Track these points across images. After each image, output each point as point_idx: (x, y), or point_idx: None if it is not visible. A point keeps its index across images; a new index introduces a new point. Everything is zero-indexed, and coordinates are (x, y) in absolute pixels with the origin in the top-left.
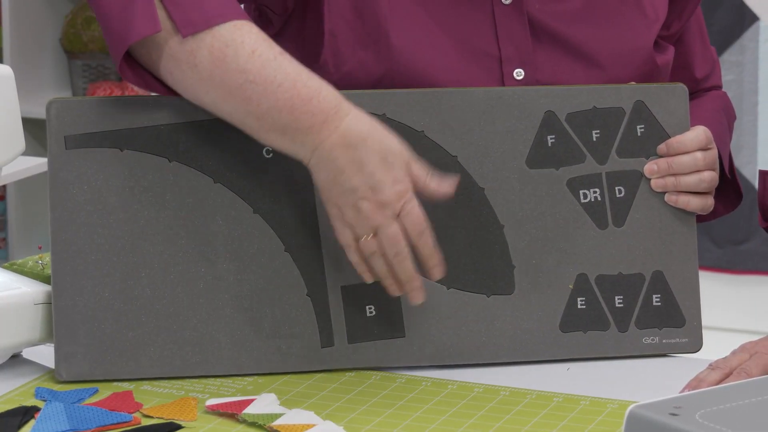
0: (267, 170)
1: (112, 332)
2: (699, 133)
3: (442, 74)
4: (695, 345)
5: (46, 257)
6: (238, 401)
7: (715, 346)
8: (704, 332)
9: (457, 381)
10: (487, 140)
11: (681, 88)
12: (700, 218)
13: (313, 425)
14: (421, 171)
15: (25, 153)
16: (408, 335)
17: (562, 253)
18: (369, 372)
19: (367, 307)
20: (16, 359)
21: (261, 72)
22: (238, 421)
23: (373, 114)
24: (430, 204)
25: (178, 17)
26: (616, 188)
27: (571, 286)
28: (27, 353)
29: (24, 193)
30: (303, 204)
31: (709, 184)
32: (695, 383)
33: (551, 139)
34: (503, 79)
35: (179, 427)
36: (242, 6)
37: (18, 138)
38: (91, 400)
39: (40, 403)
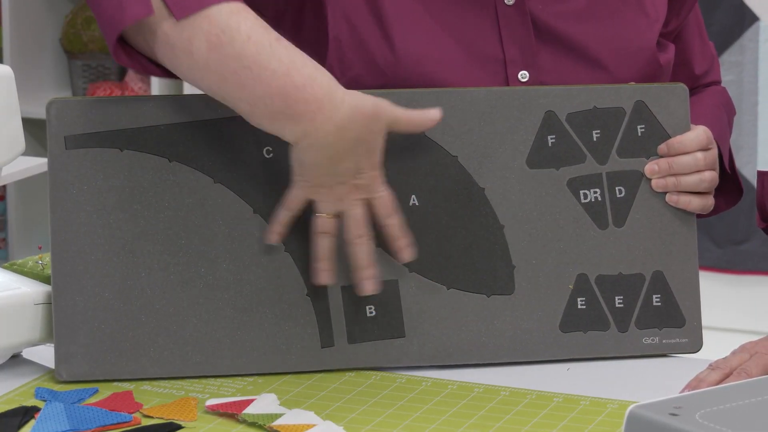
0: (267, 170)
1: (112, 332)
2: (699, 133)
3: (448, 78)
4: (695, 345)
5: (46, 257)
6: (238, 401)
7: (715, 347)
8: (704, 332)
9: (457, 381)
10: (488, 140)
11: (681, 88)
12: (701, 215)
13: (313, 425)
14: (401, 112)
15: (25, 153)
16: (408, 335)
17: (562, 253)
18: (369, 372)
19: (367, 307)
20: (16, 359)
21: (256, 58)
22: (238, 421)
23: None
24: (430, 203)
25: (171, 1)
26: (617, 188)
27: (571, 286)
28: (27, 353)
29: (24, 194)
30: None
31: (709, 184)
32: (695, 383)
33: (552, 139)
34: (508, 81)
35: (179, 427)
36: None
37: (18, 138)
38: (91, 401)
39: (40, 403)
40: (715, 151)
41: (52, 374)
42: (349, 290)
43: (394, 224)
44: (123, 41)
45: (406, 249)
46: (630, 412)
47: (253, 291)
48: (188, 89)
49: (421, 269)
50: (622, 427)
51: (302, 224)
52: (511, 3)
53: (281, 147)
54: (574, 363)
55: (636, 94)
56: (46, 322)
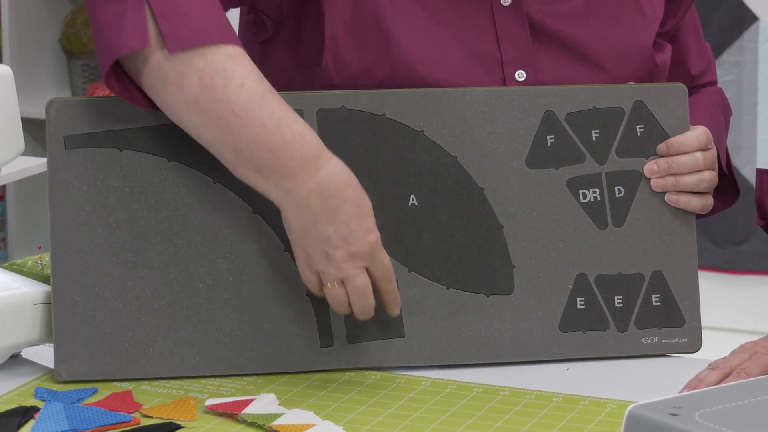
0: None
1: (111, 332)
2: (699, 133)
3: (445, 77)
4: (695, 345)
5: (46, 257)
6: (238, 401)
7: (715, 346)
8: (704, 332)
9: (456, 381)
10: (487, 140)
11: (680, 88)
12: (698, 215)
13: (313, 425)
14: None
15: (25, 153)
16: (407, 335)
17: (561, 253)
18: (368, 372)
19: None
20: (15, 359)
21: (246, 106)
22: (237, 421)
23: (373, 114)
24: (430, 203)
25: (167, 31)
26: (616, 188)
27: (570, 286)
28: (26, 353)
29: (23, 193)
30: None
31: (708, 184)
32: (695, 383)
33: (551, 139)
34: (505, 81)
35: (179, 427)
36: (238, 9)
37: (17, 138)
38: (90, 400)
39: (39, 403)
40: (714, 151)
41: (52, 374)
42: None
43: (391, 289)
44: (117, 64)
45: (396, 307)
46: (629, 411)
47: (252, 291)
48: None
49: (421, 269)
50: (622, 427)
51: None
52: (507, 3)
53: None
54: (574, 363)
55: (635, 93)
56: (46, 322)
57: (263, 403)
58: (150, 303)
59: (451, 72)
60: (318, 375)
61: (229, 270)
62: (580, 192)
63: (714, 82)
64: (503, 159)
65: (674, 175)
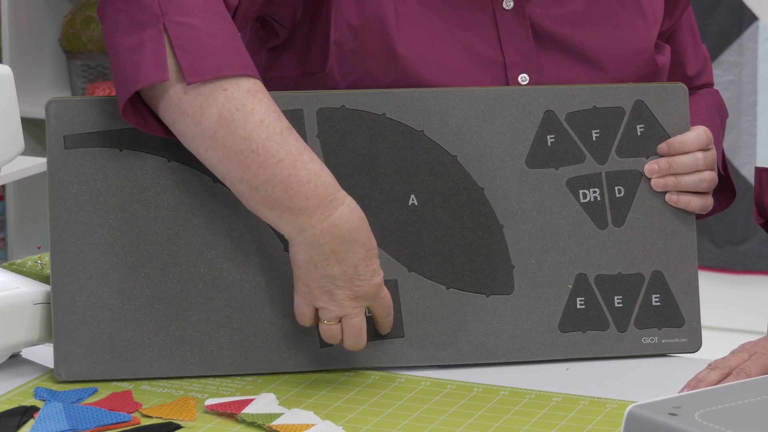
0: None
1: (111, 332)
2: (700, 133)
3: (449, 81)
4: (694, 345)
5: (45, 257)
6: (237, 401)
7: (715, 346)
8: (703, 332)
9: (456, 381)
10: (487, 140)
11: (681, 88)
12: (698, 216)
13: (312, 425)
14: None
15: (24, 153)
16: (407, 335)
17: (561, 253)
18: (368, 372)
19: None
20: (15, 359)
21: (264, 143)
22: (237, 421)
23: (373, 114)
24: (429, 203)
25: (185, 64)
26: (616, 188)
27: (570, 286)
28: (26, 353)
29: (23, 193)
30: None
31: (709, 184)
32: (694, 383)
33: (551, 138)
34: (508, 84)
35: (178, 426)
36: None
37: (17, 138)
38: (90, 400)
39: (39, 403)
40: (714, 151)
41: (52, 374)
42: None
43: (388, 322)
44: (135, 93)
45: (388, 329)
46: (629, 411)
47: (252, 291)
48: None
49: (421, 269)
50: (621, 427)
51: None
52: (509, 7)
53: None
54: (574, 363)
55: (635, 93)
56: (46, 322)
57: (263, 403)
58: (150, 303)
59: (455, 76)
60: (317, 375)
61: (229, 270)
62: (580, 192)
63: (710, 84)
64: (503, 159)
65: (675, 175)
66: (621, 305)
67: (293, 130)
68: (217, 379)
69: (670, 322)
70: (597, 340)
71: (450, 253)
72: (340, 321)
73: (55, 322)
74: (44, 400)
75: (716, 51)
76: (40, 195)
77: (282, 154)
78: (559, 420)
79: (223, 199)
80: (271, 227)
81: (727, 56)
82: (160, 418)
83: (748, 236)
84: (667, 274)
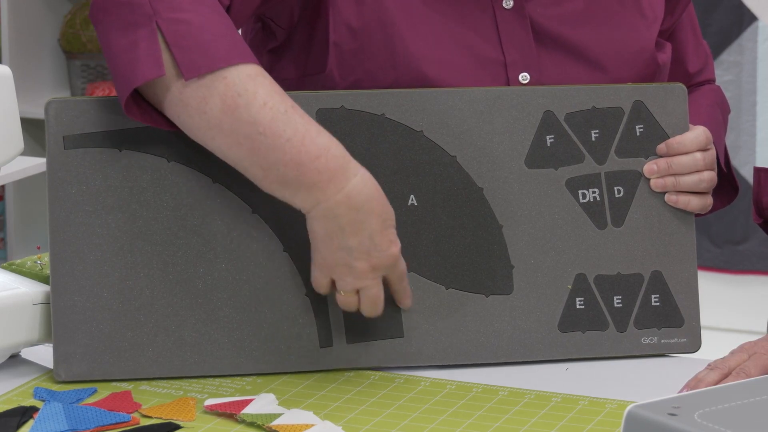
0: None
1: (110, 332)
2: (699, 134)
3: (450, 81)
4: (694, 345)
5: (45, 257)
6: (237, 401)
7: (714, 346)
8: (703, 332)
9: (455, 381)
10: (486, 140)
11: (680, 88)
12: (697, 214)
13: (312, 425)
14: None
15: (24, 153)
16: (407, 335)
17: (560, 253)
18: (368, 372)
19: None
20: (14, 359)
21: (271, 125)
22: (236, 421)
23: (372, 114)
24: (429, 203)
25: (182, 60)
26: (615, 188)
27: (569, 286)
28: (26, 353)
29: (23, 193)
30: None
31: (708, 184)
32: (694, 383)
33: (550, 139)
34: (509, 83)
35: (178, 427)
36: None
37: (17, 138)
38: (89, 400)
39: (38, 403)
40: (713, 151)
41: (51, 374)
42: None
43: (404, 288)
44: (136, 92)
45: (406, 301)
46: (629, 411)
47: (251, 291)
48: None
49: (420, 269)
50: (621, 427)
51: (301, 224)
52: (509, 7)
53: None
54: (573, 363)
55: (634, 93)
56: (45, 322)
57: (262, 403)
58: (149, 303)
59: (456, 75)
60: (317, 375)
61: (229, 270)
62: (580, 192)
63: (712, 80)
64: (502, 159)
65: (674, 175)
66: (620, 305)
67: (298, 108)
68: (217, 380)
69: (670, 322)
70: (596, 340)
71: (449, 254)
72: (356, 292)
73: (55, 322)
74: (44, 401)
75: (716, 51)
76: (39, 195)
77: (289, 133)
78: (559, 420)
79: (223, 199)
80: (271, 228)
81: (727, 56)
82: (160, 418)
83: (747, 236)
84: (666, 274)
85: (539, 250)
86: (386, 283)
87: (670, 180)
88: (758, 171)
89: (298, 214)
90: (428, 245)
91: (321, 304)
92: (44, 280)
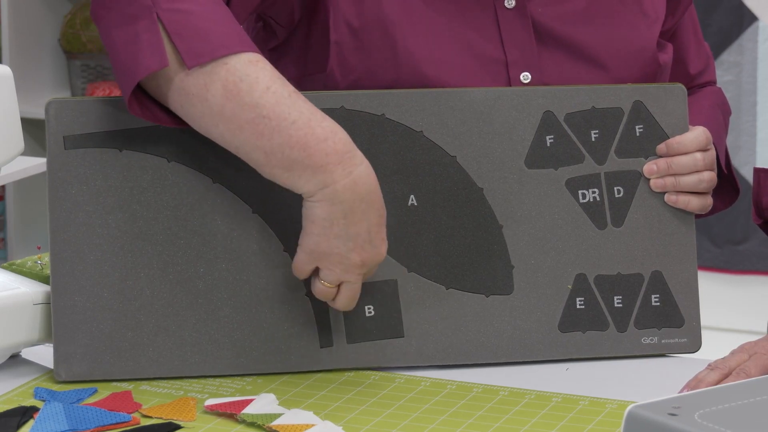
0: None
1: (111, 332)
2: (699, 134)
3: (451, 81)
4: (694, 345)
5: (45, 257)
6: (237, 401)
7: (714, 346)
8: (703, 332)
9: (456, 381)
10: (486, 140)
11: (680, 89)
12: (698, 215)
13: (312, 425)
14: None
15: (24, 153)
16: (407, 335)
17: (560, 253)
18: (368, 372)
19: (366, 307)
20: (15, 359)
21: (275, 108)
22: (237, 421)
23: (372, 114)
24: (428, 204)
25: (183, 49)
26: (615, 188)
27: (569, 287)
28: (26, 353)
29: (23, 194)
30: (302, 204)
31: (708, 184)
32: (694, 383)
33: (550, 139)
34: (510, 82)
35: (178, 427)
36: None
37: (17, 138)
38: (90, 400)
39: (39, 403)
40: (713, 152)
41: (51, 374)
42: None
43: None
44: (139, 88)
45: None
46: (629, 412)
47: (252, 291)
48: None
49: (420, 269)
50: (621, 427)
51: (301, 224)
52: (511, 6)
53: None
54: (573, 363)
55: (634, 94)
56: (45, 322)
57: (263, 403)
58: (149, 303)
59: (458, 74)
60: (317, 375)
61: (229, 270)
62: (580, 192)
63: (713, 82)
64: (502, 159)
65: (674, 175)
66: (620, 305)
67: (300, 94)
68: (217, 380)
69: (670, 322)
70: (597, 340)
71: (449, 254)
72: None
73: (55, 322)
74: (44, 401)
75: (716, 51)
76: (40, 195)
77: (295, 116)
78: (559, 420)
79: (223, 199)
80: (271, 228)
81: (727, 56)
82: (160, 418)
83: (748, 236)
84: (666, 274)
85: (539, 250)
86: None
87: (669, 180)
88: (758, 171)
89: (299, 214)
90: (428, 245)
91: (321, 304)
92: (44, 280)
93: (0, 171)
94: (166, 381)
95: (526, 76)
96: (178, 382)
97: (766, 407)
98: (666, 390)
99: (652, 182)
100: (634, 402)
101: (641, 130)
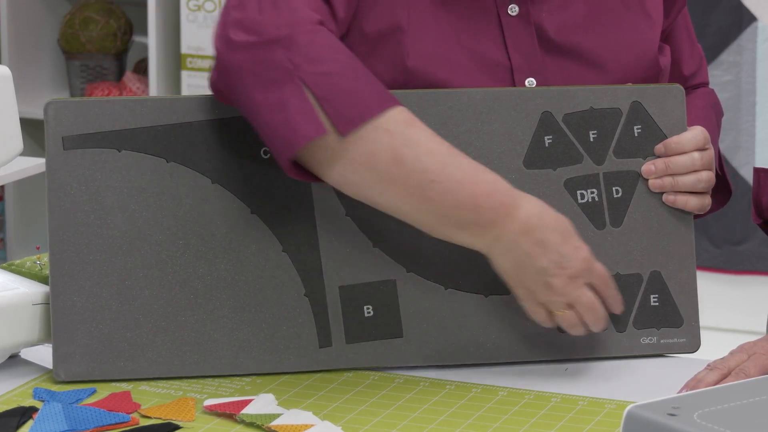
0: (265, 170)
1: (110, 332)
2: (697, 134)
3: (457, 84)
4: (693, 345)
5: (44, 257)
6: (236, 401)
7: (713, 347)
8: (702, 332)
9: (455, 381)
10: (485, 141)
11: (678, 89)
12: (697, 215)
13: (311, 425)
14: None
15: (23, 153)
16: (406, 335)
17: None
18: (367, 372)
19: (365, 307)
20: (14, 359)
21: (442, 171)
22: (236, 421)
23: None
24: None
25: (334, 114)
26: (614, 188)
27: None
28: (25, 353)
29: (22, 194)
30: (301, 204)
31: (706, 184)
32: (693, 383)
33: (548, 139)
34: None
35: (177, 427)
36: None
37: (16, 138)
38: (89, 401)
39: (38, 404)
40: (711, 151)
41: (51, 374)
42: (347, 290)
43: (612, 293)
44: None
45: (617, 306)
46: (628, 412)
47: (251, 291)
48: (186, 91)
49: (419, 269)
50: (620, 427)
51: (300, 224)
52: (515, 13)
53: None
54: (572, 363)
55: (632, 94)
56: (45, 323)
57: (262, 404)
58: (148, 303)
59: (463, 80)
60: (316, 375)
61: (228, 270)
62: (578, 192)
63: (706, 83)
64: (501, 160)
65: (672, 175)
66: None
67: (453, 147)
68: (216, 380)
69: (669, 322)
70: (596, 341)
71: (448, 254)
72: (572, 307)
73: (54, 322)
74: (43, 401)
75: (715, 51)
76: (39, 196)
77: (460, 175)
78: (558, 420)
79: (222, 200)
80: (270, 229)
81: (726, 56)
82: (159, 418)
83: (747, 236)
84: (665, 275)
85: None
86: (597, 292)
87: (668, 180)
88: (757, 171)
89: (298, 214)
90: (427, 245)
91: (320, 304)
92: (44, 280)
93: None
94: (165, 381)
95: (531, 82)
96: (177, 383)
97: (765, 407)
98: (665, 390)
99: (650, 182)
100: (633, 402)
101: (639, 130)
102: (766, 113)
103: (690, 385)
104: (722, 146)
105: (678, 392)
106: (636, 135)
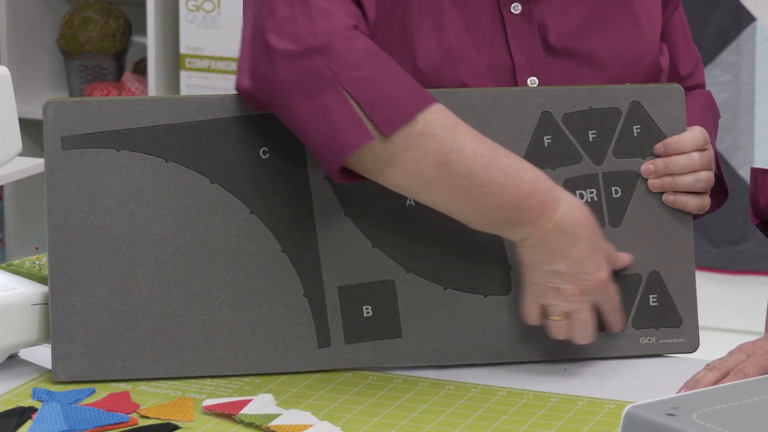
0: (264, 171)
1: (109, 333)
2: (696, 134)
3: (459, 84)
4: (692, 345)
5: (43, 258)
6: (235, 402)
7: (712, 347)
8: (701, 332)
9: (454, 381)
10: None
11: (677, 89)
12: (696, 215)
13: (310, 425)
14: (612, 252)
15: (22, 154)
16: (405, 335)
17: None
18: (366, 372)
19: (364, 307)
20: (13, 360)
21: (486, 174)
22: (235, 421)
23: None
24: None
25: (377, 118)
26: (613, 188)
27: None
28: (24, 354)
29: (21, 194)
30: (300, 204)
31: (706, 184)
32: (692, 383)
33: (548, 139)
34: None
35: (176, 427)
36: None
37: (15, 139)
38: (88, 401)
39: (37, 404)
40: (711, 152)
41: (50, 375)
42: (346, 290)
43: (615, 316)
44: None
45: (618, 327)
46: (627, 412)
47: (250, 291)
48: (185, 91)
49: (418, 269)
50: (620, 427)
51: (299, 225)
52: (517, 12)
53: (277, 148)
54: (571, 363)
55: (632, 94)
56: (44, 323)
57: (261, 404)
58: (147, 303)
59: (466, 79)
60: (316, 375)
61: (227, 270)
62: (577, 192)
63: (702, 84)
64: None
65: (671, 175)
66: (618, 305)
67: (496, 144)
68: (215, 380)
69: (668, 322)
70: (595, 341)
71: (447, 254)
72: (566, 317)
73: (53, 322)
74: (42, 401)
75: (714, 51)
76: (38, 196)
77: (502, 178)
78: (557, 420)
79: (221, 200)
80: (269, 229)
81: (725, 57)
82: (158, 418)
83: (746, 236)
84: (664, 275)
85: None
86: (600, 310)
87: (667, 180)
88: (755, 172)
89: (297, 214)
90: (426, 246)
91: (319, 304)
92: (42, 280)
93: None
94: (164, 381)
95: (533, 81)
96: (176, 383)
97: (764, 407)
98: (664, 390)
99: (649, 182)
100: (632, 402)
101: (639, 130)
102: (765, 113)
103: (689, 385)
104: (721, 146)
105: (677, 392)
106: (635, 135)
